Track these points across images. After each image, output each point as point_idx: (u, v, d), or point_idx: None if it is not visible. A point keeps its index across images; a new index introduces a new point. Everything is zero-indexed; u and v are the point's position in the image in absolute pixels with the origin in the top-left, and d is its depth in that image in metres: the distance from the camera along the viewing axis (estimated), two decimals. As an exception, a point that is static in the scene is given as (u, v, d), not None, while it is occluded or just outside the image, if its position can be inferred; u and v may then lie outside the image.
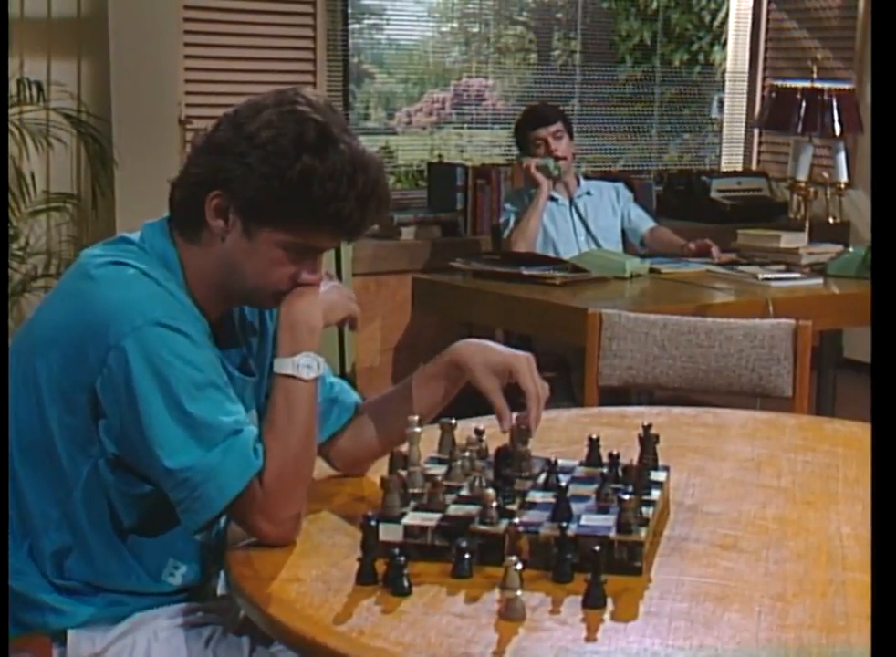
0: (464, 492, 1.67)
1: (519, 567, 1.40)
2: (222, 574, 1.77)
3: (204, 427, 1.57)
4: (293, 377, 1.64)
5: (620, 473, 1.71)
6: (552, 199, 4.49)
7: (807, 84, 4.55)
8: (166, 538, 1.71)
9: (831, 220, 4.64)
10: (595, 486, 1.67)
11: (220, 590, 1.82)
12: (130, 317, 1.58)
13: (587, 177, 4.81)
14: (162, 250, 1.69)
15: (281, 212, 1.62)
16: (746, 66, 6.45)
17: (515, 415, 1.76)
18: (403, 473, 1.69)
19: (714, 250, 4.36)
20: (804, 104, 4.49)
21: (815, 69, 4.58)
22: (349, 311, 1.76)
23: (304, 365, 1.65)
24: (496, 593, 1.45)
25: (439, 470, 1.72)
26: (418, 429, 1.75)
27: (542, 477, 1.73)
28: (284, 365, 1.65)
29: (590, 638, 1.39)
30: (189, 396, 1.57)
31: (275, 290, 1.68)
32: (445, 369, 1.84)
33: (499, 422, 1.76)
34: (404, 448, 1.76)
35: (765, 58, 6.39)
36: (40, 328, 1.69)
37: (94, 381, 1.59)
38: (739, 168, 6.40)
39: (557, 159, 4.43)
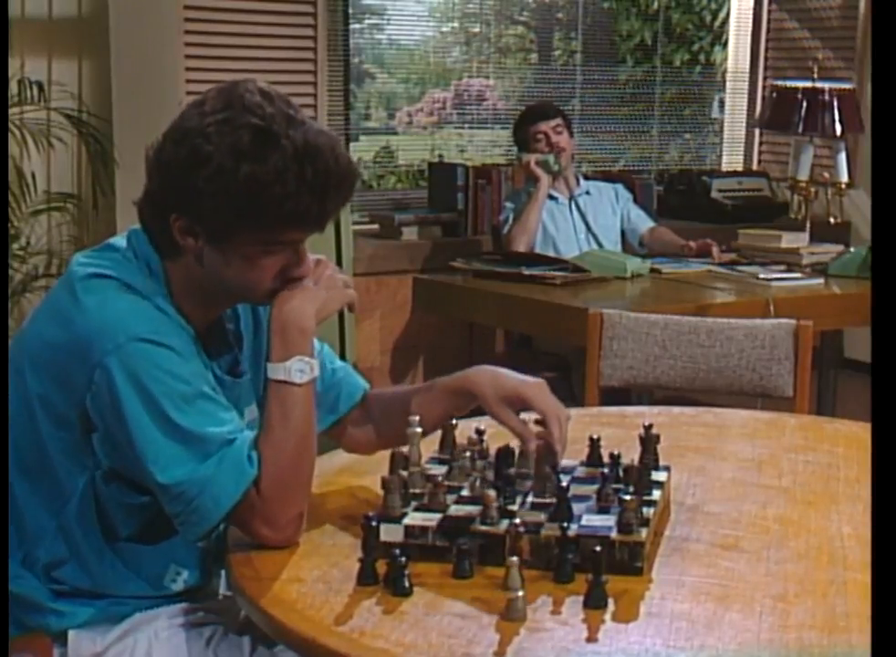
0: (465, 492, 1.67)
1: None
2: (223, 574, 1.77)
3: (196, 439, 1.56)
4: (286, 382, 1.63)
5: (621, 473, 1.71)
6: (552, 198, 4.49)
7: (808, 84, 4.55)
8: (167, 546, 1.70)
9: (832, 220, 4.63)
10: (596, 486, 1.67)
11: (221, 591, 1.81)
12: (113, 334, 1.56)
13: (587, 177, 4.81)
14: (147, 257, 1.67)
15: (241, 223, 1.57)
16: (747, 66, 6.45)
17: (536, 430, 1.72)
18: (404, 473, 1.69)
19: (715, 250, 4.36)
20: (804, 104, 4.48)
21: (815, 69, 4.58)
22: (345, 300, 1.72)
23: (296, 370, 1.63)
24: (497, 593, 1.45)
25: (440, 470, 1.72)
26: (418, 429, 1.75)
27: (543, 477, 1.73)
28: (276, 370, 1.63)
29: (591, 638, 1.39)
30: (178, 409, 1.56)
31: (264, 289, 1.64)
32: (458, 391, 1.79)
33: (523, 444, 1.73)
34: (405, 448, 1.76)
35: (765, 58, 6.38)
36: (29, 344, 1.67)
37: (84, 399, 1.59)
38: (740, 168, 6.39)
39: (557, 153, 4.43)
